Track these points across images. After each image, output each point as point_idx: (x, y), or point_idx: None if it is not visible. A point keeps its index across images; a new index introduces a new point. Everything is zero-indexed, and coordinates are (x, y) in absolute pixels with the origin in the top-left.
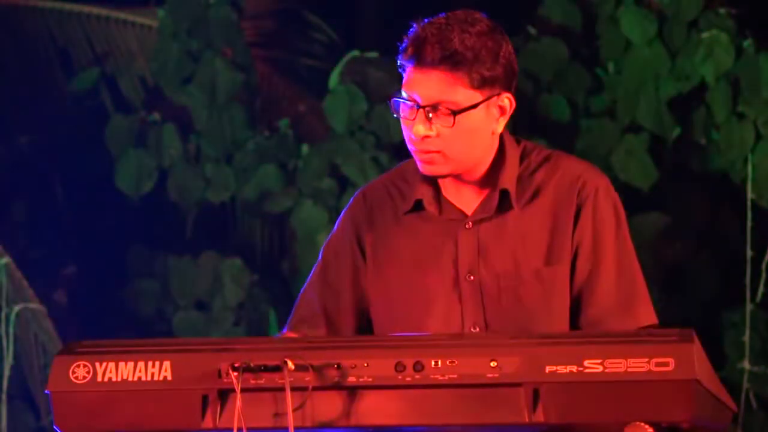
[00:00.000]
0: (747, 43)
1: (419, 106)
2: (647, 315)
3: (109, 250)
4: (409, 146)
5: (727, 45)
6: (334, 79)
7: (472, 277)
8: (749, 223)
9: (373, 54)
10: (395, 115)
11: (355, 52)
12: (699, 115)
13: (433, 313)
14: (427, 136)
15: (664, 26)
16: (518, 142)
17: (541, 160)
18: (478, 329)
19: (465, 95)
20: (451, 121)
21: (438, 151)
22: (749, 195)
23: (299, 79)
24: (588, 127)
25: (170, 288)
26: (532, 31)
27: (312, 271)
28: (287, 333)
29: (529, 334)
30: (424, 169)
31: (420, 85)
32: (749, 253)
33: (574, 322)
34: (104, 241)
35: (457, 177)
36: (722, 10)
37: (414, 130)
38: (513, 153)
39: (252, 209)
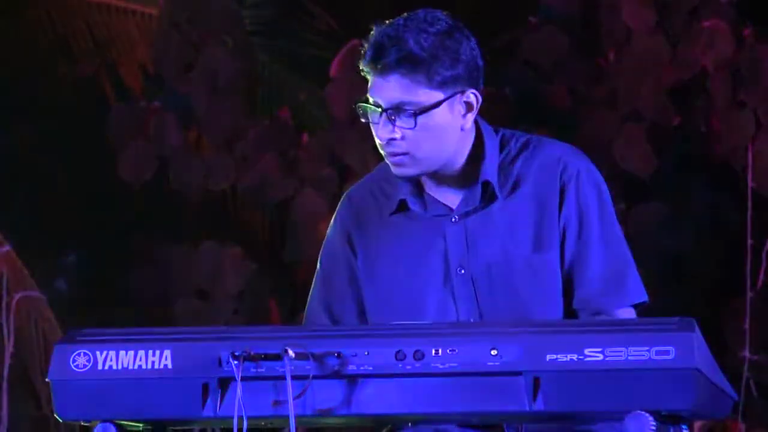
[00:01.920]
0: (747, 32)
1: (382, 110)
2: (637, 292)
3: (110, 239)
4: (380, 150)
5: (727, 33)
6: (334, 67)
7: (462, 271)
8: (749, 212)
9: None
10: (363, 120)
11: (356, 41)
12: (699, 104)
13: (427, 310)
14: (392, 139)
15: (664, 15)
16: (496, 131)
17: (520, 146)
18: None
19: (426, 95)
20: (412, 122)
21: (405, 153)
22: (750, 183)
23: (300, 68)
24: (588, 116)
25: (171, 276)
26: (533, 20)
27: (314, 282)
28: None
29: (529, 322)
30: (394, 171)
31: (381, 88)
32: (750, 241)
33: (567, 305)
34: (105, 229)
35: (436, 173)
36: None
37: (379, 134)
38: (492, 143)
39: (252, 198)
